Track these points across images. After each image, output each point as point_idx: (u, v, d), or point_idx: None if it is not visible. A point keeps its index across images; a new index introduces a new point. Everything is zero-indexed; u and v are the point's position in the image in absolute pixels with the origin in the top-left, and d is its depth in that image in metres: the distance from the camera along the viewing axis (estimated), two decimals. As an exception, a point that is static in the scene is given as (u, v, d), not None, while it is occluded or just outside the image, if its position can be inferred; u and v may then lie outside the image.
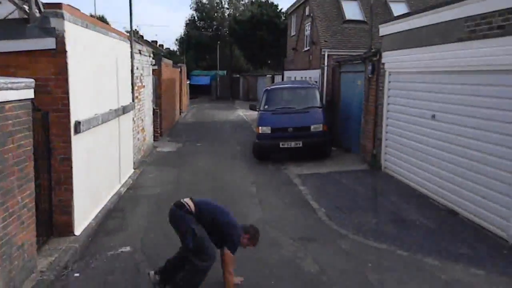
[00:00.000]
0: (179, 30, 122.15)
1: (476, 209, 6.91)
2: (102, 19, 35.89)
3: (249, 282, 5.13)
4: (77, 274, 5.40)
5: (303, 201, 8.56)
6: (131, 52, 10.56)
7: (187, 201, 4.86)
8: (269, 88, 14.36)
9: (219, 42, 49.24)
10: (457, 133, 7.53)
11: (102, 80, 7.95)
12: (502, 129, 6.35)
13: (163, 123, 17.75)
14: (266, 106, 13.26)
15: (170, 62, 22.70)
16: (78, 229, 6.43)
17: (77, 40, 6.41)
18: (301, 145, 12.01)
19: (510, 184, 6.09)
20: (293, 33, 23.99)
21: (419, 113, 8.89)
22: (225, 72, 50.07)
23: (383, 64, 10.66)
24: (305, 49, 20.26)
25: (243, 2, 54.14)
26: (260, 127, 12.59)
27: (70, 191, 6.26)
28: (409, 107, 9.37)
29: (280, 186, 9.76)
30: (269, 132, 12.37)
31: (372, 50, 11.65)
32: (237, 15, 48.76)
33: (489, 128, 6.68)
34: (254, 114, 15.93)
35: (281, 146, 12.11)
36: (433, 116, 8.33)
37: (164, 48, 67.79)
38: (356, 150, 13.05)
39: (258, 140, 12.55)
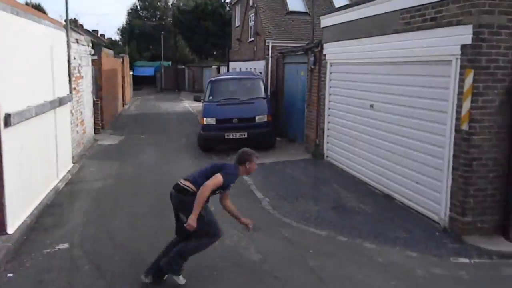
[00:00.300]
0: (122, 19, 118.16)
1: (411, 194, 7.26)
2: (37, 7, 33.93)
3: (191, 275, 5.09)
4: (10, 275, 5.10)
5: (248, 192, 8.60)
6: (68, 41, 10.06)
7: (186, 183, 4.62)
8: (213, 79, 14.26)
9: (163, 32, 48.17)
10: (393, 122, 7.84)
11: (36, 70, 7.53)
12: (433, 117, 6.68)
13: (104, 115, 17.15)
14: (210, 97, 13.16)
15: (112, 52, 21.94)
16: (12, 227, 6.08)
17: (7, 27, 6.01)
18: (246, 136, 12.05)
19: (440, 169, 6.43)
20: (237, 24, 23.91)
21: (359, 103, 9.17)
22: (170, 63, 49.11)
23: (325, 55, 10.89)
24: (250, 40, 20.27)
25: (186, -8, 53.26)
26: (205, 119, 12.49)
27: (1, 187, 5.89)
28: (349, 97, 9.65)
29: (225, 177, 9.73)
30: (214, 123, 12.31)
31: (314, 42, 11.86)
32: (181, 4, 47.87)
33: (421, 117, 7.01)
34: (200, 105, 15.76)
35: (226, 137, 12.09)
36: (372, 106, 8.63)
37: (105, 38, 65.57)
38: (300, 140, 13.29)
39: (203, 132, 12.46)
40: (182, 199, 4.60)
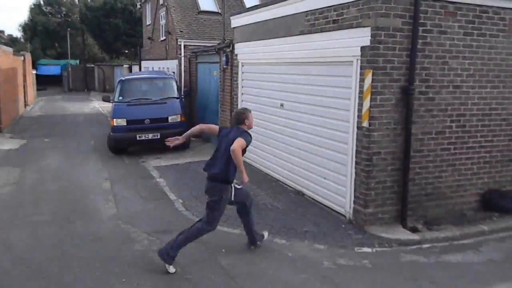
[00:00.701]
0: (24, 15, 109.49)
1: (319, 189, 7.56)
2: None
3: (97, 284, 4.84)
4: None
5: (160, 194, 8.39)
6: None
7: (215, 169, 5.20)
8: (123, 78, 13.71)
9: (69, 29, 45.42)
10: (301, 120, 8.11)
11: None
12: (337, 115, 7.02)
13: (2, 118, 15.78)
14: (120, 98, 12.64)
15: (11, 50, 20.25)
16: None
17: None
18: (159, 136, 11.75)
19: (345, 164, 6.77)
20: (148, 22, 23.26)
21: (270, 102, 9.36)
22: (78, 61, 46.46)
23: (236, 55, 10.96)
24: (162, 39, 19.83)
25: (93, -13, 50.78)
26: (114, 119, 11.97)
27: None
28: (261, 96, 9.80)
29: (137, 180, 9.42)
30: (125, 124, 11.85)
31: (226, 42, 11.90)
32: (88, 1, 45.52)
33: (327, 115, 7.32)
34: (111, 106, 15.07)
35: (138, 138, 11.70)
36: (282, 105, 8.85)
37: (5, 34, 60.26)
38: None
39: (113, 133, 11.94)
40: (219, 189, 5.22)
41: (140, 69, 24.45)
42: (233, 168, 5.17)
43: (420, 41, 6.15)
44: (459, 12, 6.39)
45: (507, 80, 6.97)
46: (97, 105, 26.99)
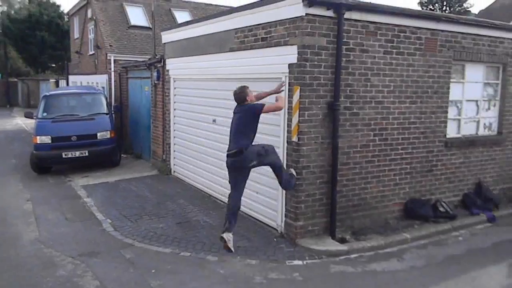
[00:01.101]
0: None
1: (252, 204, 7.58)
2: None
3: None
4: None
5: (87, 214, 8.01)
6: None
7: (234, 150, 5.79)
8: (48, 94, 13.01)
9: (-11, 42, 42.51)
10: (234, 136, 8.12)
11: None
12: (269, 130, 7.08)
13: None
14: (45, 114, 11.99)
15: None
16: None
17: None
18: (87, 154, 11.29)
19: (276, 178, 6.84)
20: (76, 35, 22.40)
21: (202, 118, 9.31)
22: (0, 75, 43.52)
23: (168, 70, 10.84)
24: (90, 53, 19.16)
25: (18, 0, 48.09)
26: (38, 137, 11.30)
27: None
28: (193, 112, 9.73)
29: (61, 201, 8.92)
30: (49, 141, 11.22)
31: (157, 57, 11.73)
32: (12, 12, 42.98)
33: (259, 130, 7.35)
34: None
35: (64, 156, 11.13)
36: (214, 121, 8.83)
37: None
38: (147, 156, 12.96)
39: (36, 151, 11.25)
40: (242, 157, 5.75)
41: (67, 84, 23.46)
42: (247, 141, 5.84)
43: (343, 59, 6.43)
44: (379, 32, 6.78)
45: (424, 96, 7.46)
46: (20, 122, 25.38)
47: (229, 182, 6.11)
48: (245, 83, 7.61)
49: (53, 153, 11.14)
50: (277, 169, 6.08)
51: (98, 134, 11.63)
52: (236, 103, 6.09)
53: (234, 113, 6.08)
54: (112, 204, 8.56)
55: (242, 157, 5.77)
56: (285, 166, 6.63)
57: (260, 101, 6.23)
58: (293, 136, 6.45)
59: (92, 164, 11.86)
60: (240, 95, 5.99)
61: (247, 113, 5.90)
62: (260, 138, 7.27)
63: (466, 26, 7.76)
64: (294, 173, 6.28)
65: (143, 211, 8.02)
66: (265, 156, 5.90)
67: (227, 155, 5.96)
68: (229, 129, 8.16)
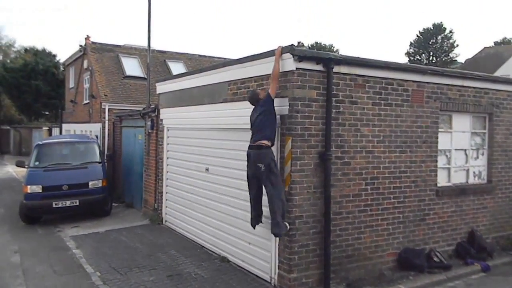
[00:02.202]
0: None
1: (244, 255, 7.48)
2: None
3: None
4: None
5: (76, 266, 7.83)
6: None
7: (259, 142, 6.22)
8: (41, 142, 13.06)
9: (-17, 90, 42.86)
10: (226, 185, 8.14)
11: None
12: (261, 180, 7.14)
13: None
14: (37, 163, 11.98)
15: None
16: None
17: None
18: (78, 203, 11.19)
19: (269, 229, 6.77)
20: (71, 85, 22.77)
21: (196, 167, 9.35)
22: (-9, 123, 43.55)
23: (162, 120, 10.98)
24: (85, 102, 19.41)
25: (14, 49, 49.13)
26: (28, 186, 11.21)
27: None
28: (186, 161, 9.78)
29: (50, 252, 8.74)
30: (40, 191, 11.14)
31: (151, 106, 11.92)
32: (7, 61, 43.72)
33: (251, 180, 7.42)
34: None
35: (54, 206, 11.01)
36: (207, 169, 8.87)
37: None
38: (139, 205, 12.85)
39: (26, 201, 11.14)
40: (259, 153, 6.19)
41: (60, 132, 23.55)
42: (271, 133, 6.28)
43: (334, 110, 6.60)
44: (367, 84, 7.01)
45: (413, 145, 7.60)
46: (11, 170, 25.20)
47: (250, 196, 6.61)
48: (238, 133, 7.81)
49: (43, 202, 11.03)
50: (276, 200, 6.10)
51: (90, 183, 11.58)
52: (252, 107, 6.60)
53: (253, 113, 6.54)
54: (102, 255, 8.40)
55: (263, 152, 6.18)
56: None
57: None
58: (285, 185, 6.48)
59: (82, 214, 11.72)
60: (253, 97, 6.59)
61: (263, 109, 6.32)
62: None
63: (451, 78, 8.04)
64: (287, 225, 6.25)
65: (133, 263, 7.86)
66: (274, 173, 6.14)
67: (250, 147, 6.39)
68: (222, 178, 8.28)
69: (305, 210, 6.48)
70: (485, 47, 45.36)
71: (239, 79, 7.61)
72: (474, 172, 8.71)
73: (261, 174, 6.19)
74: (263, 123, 6.29)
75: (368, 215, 7.10)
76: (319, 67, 6.45)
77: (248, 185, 6.58)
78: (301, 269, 6.40)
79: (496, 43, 57.67)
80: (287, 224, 6.25)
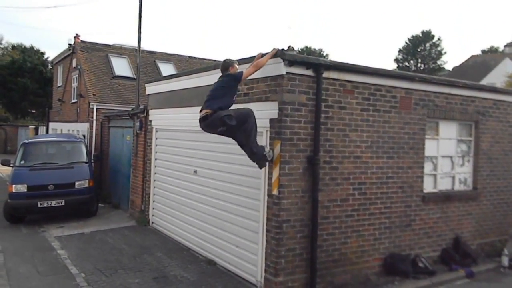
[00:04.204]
0: None
1: (231, 258, 7.48)
2: None
3: None
4: None
5: (61, 267, 7.74)
6: None
7: (204, 111, 6.10)
8: (27, 141, 12.89)
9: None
10: (214, 187, 8.14)
11: None
12: (249, 183, 7.16)
13: None
14: (22, 162, 11.83)
15: None
16: None
17: None
18: (63, 203, 11.07)
19: (256, 232, 6.83)
20: (59, 83, 22.54)
21: (183, 169, 9.31)
22: (-25, 120, 42.90)
23: (151, 121, 10.93)
24: (73, 101, 19.23)
25: (1, 46, 48.53)
26: (13, 185, 11.06)
27: None
28: (175, 162, 9.74)
29: (34, 253, 8.62)
30: (25, 190, 10.99)
31: (140, 107, 11.86)
32: (-5, 58, 43.16)
33: (240, 182, 7.43)
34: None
35: (39, 205, 10.87)
36: (195, 171, 8.84)
37: None
38: (125, 206, 12.76)
39: (11, 200, 10.99)
40: (209, 123, 6.06)
41: (47, 131, 23.29)
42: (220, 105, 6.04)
43: (322, 115, 6.63)
44: (356, 90, 7.06)
45: (400, 151, 7.68)
46: (-4, 168, 24.82)
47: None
48: (226, 136, 7.78)
49: (28, 202, 10.88)
50: (251, 144, 6.18)
51: (76, 183, 11.47)
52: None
53: (216, 82, 6.37)
54: (87, 256, 8.31)
55: (210, 120, 6.02)
56: (265, 220, 6.63)
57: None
58: (273, 189, 6.49)
59: (68, 214, 11.60)
60: (225, 63, 6.39)
61: (226, 80, 6.21)
62: (240, 190, 7.35)
63: (438, 86, 8.14)
64: (269, 153, 6.34)
65: (119, 265, 7.80)
66: (234, 124, 5.96)
67: (199, 120, 6.20)
68: (210, 181, 8.27)
69: (293, 214, 6.49)
70: (472, 55, 46.10)
71: (229, 82, 7.59)
72: (459, 179, 8.81)
73: (228, 132, 6.19)
74: (217, 93, 6.17)
75: (355, 220, 7.14)
76: (309, 72, 6.49)
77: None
78: (288, 273, 6.41)
79: (483, 52, 58.64)
80: (266, 149, 6.33)
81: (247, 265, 7.05)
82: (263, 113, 6.73)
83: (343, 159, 6.98)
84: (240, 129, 6.12)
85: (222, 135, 6.30)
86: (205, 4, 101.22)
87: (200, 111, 6.21)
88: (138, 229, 10.50)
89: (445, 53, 64.91)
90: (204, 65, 10.90)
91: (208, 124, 6.13)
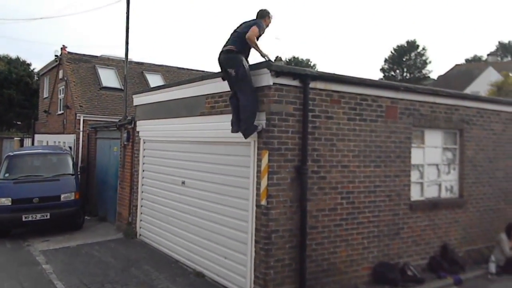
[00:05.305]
0: None
1: (220, 269, 7.42)
2: None
3: None
4: None
5: (46, 282, 7.61)
6: None
7: (228, 47, 6.49)
8: (11, 154, 12.71)
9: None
10: (203, 198, 8.09)
11: None
12: (238, 193, 7.13)
13: None
14: (7, 174, 11.65)
15: None
16: None
17: None
18: (48, 216, 10.93)
19: (245, 243, 6.79)
20: (46, 95, 22.35)
21: (172, 180, 9.26)
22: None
23: (138, 132, 10.87)
24: (59, 112, 19.07)
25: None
26: (-3, 199, 10.88)
27: None
28: (163, 174, 9.68)
29: (18, 268, 8.46)
30: (9, 204, 10.83)
31: (128, 118, 11.79)
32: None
33: (228, 193, 7.41)
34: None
35: (24, 219, 10.72)
36: (183, 183, 8.79)
37: None
38: (112, 218, 12.61)
39: (-5, 214, 10.80)
40: (228, 57, 6.43)
41: (33, 143, 23.02)
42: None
43: (310, 125, 6.66)
44: (342, 100, 7.11)
45: (387, 160, 7.73)
46: (-20, 181, 24.42)
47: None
48: (215, 147, 7.79)
49: (12, 216, 10.72)
50: (244, 110, 6.41)
51: (62, 196, 11.34)
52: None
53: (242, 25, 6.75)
54: (73, 271, 8.18)
55: (231, 56, 6.43)
56: (254, 230, 6.60)
57: None
58: (262, 199, 6.47)
59: (54, 227, 11.43)
60: (264, 12, 6.82)
61: (257, 24, 6.52)
62: (229, 201, 7.33)
63: (423, 95, 8.24)
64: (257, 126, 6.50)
65: (106, 279, 7.69)
66: (244, 80, 6.34)
67: (220, 52, 6.62)
68: (198, 192, 8.24)
69: (282, 224, 6.48)
70: (456, 65, 46.84)
71: (217, 93, 7.61)
72: (446, 187, 8.90)
73: (232, 80, 6.46)
74: (239, 37, 6.50)
75: (344, 229, 7.15)
76: (295, 83, 6.52)
77: None
78: (277, 284, 6.37)
79: (467, 61, 59.64)
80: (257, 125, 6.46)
81: (236, 276, 7.00)
82: (251, 123, 6.73)
83: (330, 168, 7.00)
84: (240, 91, 6.45)
85: (227, 79, 6.63)
86: (193, 15, 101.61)
87: (224, 46, 6.60)
88: (125, 242, 10.38)
89: (430, 62, 65.88)
90: (193, 76, 10.93)
91: (227, 58, 6.48)
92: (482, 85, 34.77)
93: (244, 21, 6.81)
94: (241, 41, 6.45)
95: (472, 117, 9.10)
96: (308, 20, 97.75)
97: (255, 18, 6.77)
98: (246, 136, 6.52)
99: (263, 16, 6.76)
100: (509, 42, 61.33)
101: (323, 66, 77.97)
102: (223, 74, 6.76)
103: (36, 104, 27.12)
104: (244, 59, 6.42)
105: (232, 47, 6.48)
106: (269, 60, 6.40)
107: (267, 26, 6.78)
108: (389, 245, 7.74)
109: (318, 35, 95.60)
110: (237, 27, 6.77)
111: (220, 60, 6.59)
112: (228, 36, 6.78)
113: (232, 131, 6.73)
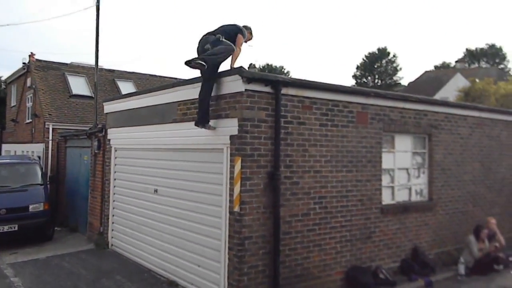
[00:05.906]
0: None
1: (193, 278, 7.34)
2: None
3: None
4: None
5: (13, 296, 7.36)
6: None
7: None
8: (-23, 164, 12.31)
9: None
10: (175, 206, 8.01)
11: None
12: (211, 200, 7.10)
13: None
14: (-28, 186, 11.26)
15: None
16: None
17: None
18: (16, 228, 10.61)
19: (218, 250, 6.75)
20: (13, 103, 21.77)
21: (144, 188, 9.13)
22: None
23: (109, 140, 10.69)
24: (27, 121, 18.59)
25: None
26: (-38, 211, 10.50)
27: None
28: (135, 182, 9.53)
29: (-16, 281, 8.17)
30: (-26, 216, 10.45)
31: (98, 126, 11.60)
32: None
33: (201, 200, 7.36)
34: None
35: (-10, 231, 10.35)
36: (156, 191, 8.69)
37: None
38: (83, 229, 12.33)
39: (-41, 227, 10.40)
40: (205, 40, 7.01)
41: (0, 153, 22.35)
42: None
43: (282, 131, 6.69)
44: (314, 106, 7.18)
45: (359, 165, 7.84)
46: None
47: None
48: (187, 154, 7.74)
49: (-23, 228, 10.34)
50: (202, 97, 6.81)
51: (31, 207, 11.05)
52: None
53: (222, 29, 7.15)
54: (42, 283, 7.95)
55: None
56: (227, 237, 6.57)
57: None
58: (235, 206, 6.46)
59: (22, 239, 11.09)
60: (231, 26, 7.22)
61: (240, 31, 7.17)
62: (202, 208, 7.29)
63: (393, 101, 8.42)
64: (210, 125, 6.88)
65: (77, 290, 7.50)
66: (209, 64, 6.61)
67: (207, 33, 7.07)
68: (171, 200, 8.16)
69: (255, 231, 6.47)
70: (426, 71, 47.99)
71: (189, 100, 7.58)
72: (416, 190, 9.08)
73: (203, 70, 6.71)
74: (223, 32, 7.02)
75: (317, 234, 7.19)
76: (267, 89, 6.56)
77: None
78: (251, 291, 6.35)
79: (436, 67, 61.24)
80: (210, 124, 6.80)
81: (209, 284, 6.93)
82: (223, 130, 6.74)
83: (303, 173, 7.05)
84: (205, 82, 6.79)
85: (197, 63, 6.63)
86: (165, 22, 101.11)
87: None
88: (96, 253, 10.16)
89: (401, 69, 67.40)
90: (165, 83, 10.86)
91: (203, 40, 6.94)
92: (450, 91, 35.71)
93: (222, 24, 7.20)
94: (229, 37, 6.94)
95: (440, 122, 9.34)
96: (282, 27, 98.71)
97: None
98: (196, 124, 6.88)
99: (246, 30, 7.29)
100: (476, 49, 63.34)
101: (296, 73, 78.74)
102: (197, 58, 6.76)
103: (3, 113, 26.36)
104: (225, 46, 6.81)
105: (221, 36, 6.89)
106: (240, 66, 6.44)
107: (246, 41, 7.33)
108: (361, 249, 7.83)
109: (292, 43, 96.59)
110: (215, 29, 7.09)
111: (202, 39, 6.99)
112: (198, 40, 7.09)
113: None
